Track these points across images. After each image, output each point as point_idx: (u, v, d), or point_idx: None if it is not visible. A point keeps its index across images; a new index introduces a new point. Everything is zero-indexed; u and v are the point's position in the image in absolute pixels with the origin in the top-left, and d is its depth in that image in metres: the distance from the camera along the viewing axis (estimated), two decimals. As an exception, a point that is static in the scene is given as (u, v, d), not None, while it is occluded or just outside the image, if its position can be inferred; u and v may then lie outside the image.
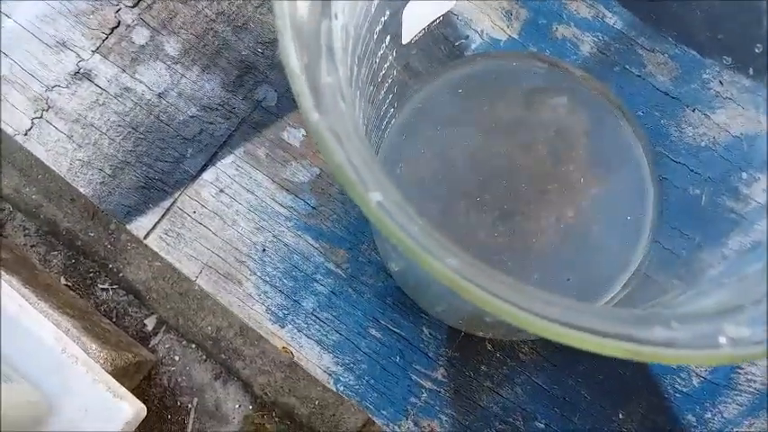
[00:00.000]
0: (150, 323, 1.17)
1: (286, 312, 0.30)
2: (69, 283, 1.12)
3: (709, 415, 0.30)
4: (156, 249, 0.31)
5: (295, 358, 0.30)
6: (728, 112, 0.31)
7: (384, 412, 0.29)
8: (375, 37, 0.20)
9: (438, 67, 0.32)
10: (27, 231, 1.18)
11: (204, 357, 1.26)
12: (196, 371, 1.24)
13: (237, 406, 1.27)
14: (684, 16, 0.30)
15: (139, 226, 0.31)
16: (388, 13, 0.20)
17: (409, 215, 0.12)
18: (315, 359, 0.30)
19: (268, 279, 0.30)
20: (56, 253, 1.18)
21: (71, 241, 1.23)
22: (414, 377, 0.30)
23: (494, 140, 0.30)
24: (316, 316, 0.30)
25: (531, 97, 0.30)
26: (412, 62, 0.31)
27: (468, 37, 0.32)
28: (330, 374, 0.30)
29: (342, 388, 0.30)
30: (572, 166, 0.30)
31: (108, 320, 1.10)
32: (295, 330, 0.30)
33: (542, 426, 0.29)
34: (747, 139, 0.30)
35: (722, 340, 0.11)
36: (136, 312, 1.13)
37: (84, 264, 1.16)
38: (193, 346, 1.25)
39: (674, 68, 0.32)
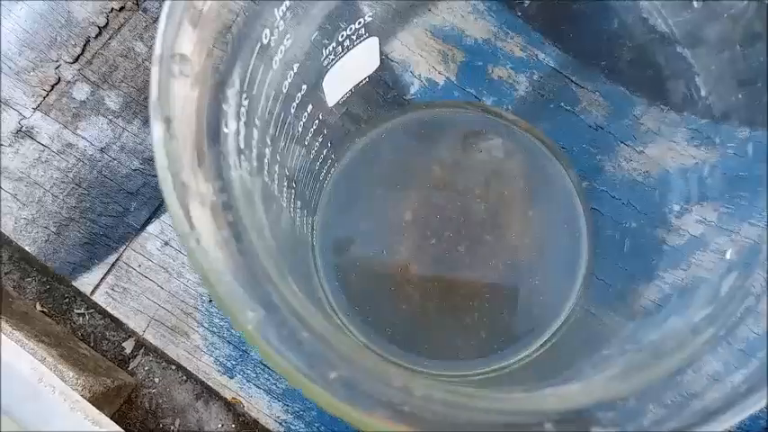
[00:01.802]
0: (128, 346, 1.16)
1: (234, 363, 0.30)
2: (45, 309, 1.10)
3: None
4: (102, 305, 0.31)
5: (245, 409, 0.30)
6: (659, 146, 0.32)
7: (335, 457, 0.30)
8: (293, 111, 0.21)
9: (378, 112, 0.32)
10: (0, 259, 1.17)
11: (184, 378, 1.25)
12: (177, 392, 1.23)
13: (220, 425, 1.26)
14: (611, 57, 0.31)
15: (85, 282, 0.31)
16: (304, 87, 0.21)
17: (298, 325, 0.13)
18: (265, 409, 0.30)
19: (215, 330, 0.31)
20: (30, 279, 1.17)
21: (45, 267, 1.22)
22: (363, 421, 0.30)
23: (434, 184, 0.31)
24: (264, 365, 0.30)
25: (468, 141, 0.31)
26: (351, 109, 0.31)
27: (406, 83, 0.33)
28: (281, 423, 0.30)
29: (293, 435, 0.30)
30: (508, 205, 0.31)
31: (86, 345, 1.09)
32: (244, 380, 0.30)
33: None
34: (679, 172, 0.31)
35: (586, 443, 0.11)
36: (113, 336, 1.12)
37: (59, 289, 1.15)
38: (173, 367, 1.25)
39: (606, 105, 0.33)
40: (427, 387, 0.13)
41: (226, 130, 0.14)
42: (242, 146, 0.15)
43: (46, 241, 0.32)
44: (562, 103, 0.34)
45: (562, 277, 0.30)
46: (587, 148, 0.33)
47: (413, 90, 0.33)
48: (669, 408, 0.13)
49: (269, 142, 0.19)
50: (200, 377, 0.30)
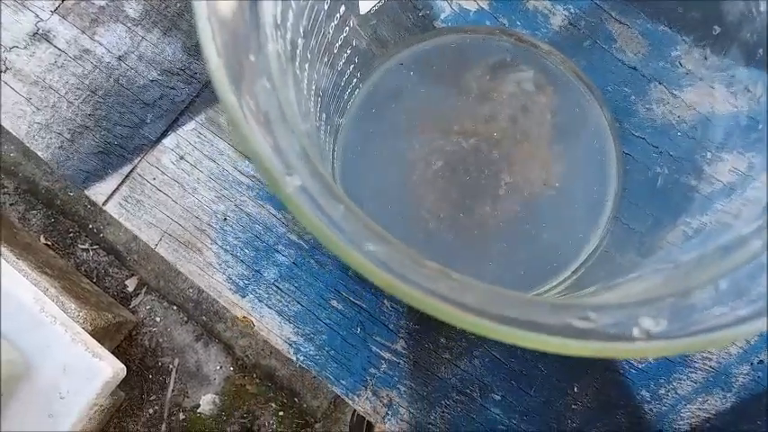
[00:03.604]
0: (131, 284, 1.17)
1: (247, 282, 0.30)
2: (49, 242, 1.11)
3: (663, 391, 0.31)
4: (115, 216, 0.30)
5: (256, 328, 0.30)
6: (696, 91, 0.31)
7: (343, 382, 0.30)
8: (326, 7, 0.20)
9: (406, 37, 0.31)
10: (6, 189, 1.17)
11: (185, 319, 1.26)
12: (177, 332, 1.24)
13: (219, 367, 1.28)
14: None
15: (98, 192, 0.31)
16: (340, -18, 0.20)
17: (334, 198, 0.12)
18: (276, 329, 0.30)
19: (229, 248, 0.30)
20: (35, 212, 1.17)
21: (50, 200, 1.21)
22: (374, 348, 0.30)
23: (458, 114, 0.30)
24: (277, 286, 0.30)
25: (498, 72, 0.30)
26: (378, 31, 0.30)
27: (436, 7, 0.31)
28: (290, 345, 0.30)
29: (302, 358, 0.30)
30: (537, 140, 0.30)
31: (88, 281, 1.09)
32: (256, 300, 0.30)
33: (498, 397, 0.30)
34: (714, 119, 0.30)
35: (636, 332, 0.11)
36: (117, 273, 1.13)
37: (64, 223, 1.15)
38: (174, 307, 1.25)
39: (643, 45, 0.32)
40: (462, 276, 0.12)
41: (265, -6, 0.13)
42: (278, 21, 0.14)
43: (59, 148, 0.31)
44: (598, 41, 0.32)
45: (586, 217, 0.30)
46: (621, 88, 0.32)
47: (443, 16, 0.32)
48: (700, 309, 0.12)
49: (302, 33, 0.18)
50: (211, 294, 0.30)
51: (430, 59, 0.30)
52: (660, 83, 0.31)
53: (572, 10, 0.32)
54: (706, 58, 0.30)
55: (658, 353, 0.10)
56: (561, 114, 0.30)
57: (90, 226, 1.15)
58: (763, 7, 0.19)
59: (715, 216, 0.26)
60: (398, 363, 0.30)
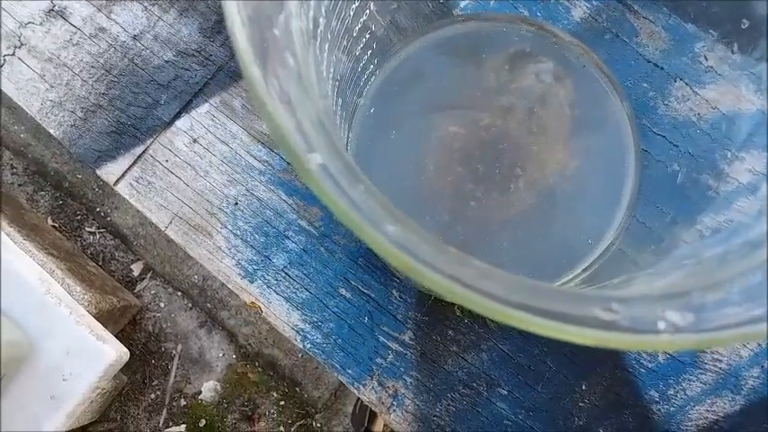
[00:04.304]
0: (137, 269, 1.17)
1: (256, 268, 0.30)
2: (56, 225, 1.11)
3: (672, 392, 0.30)
4: (126, 197, 0.30)
5: (263, 314, 0.30)
6: (718, 89, 0.30)
7: (350, 371, 0.30)
8: (349, -12, 0.19)
9: (424, 24, 0.31)
10: (15, 170, 1.17)
11: (190, 305, 1.26)
12: (181, 318, 1.24)
13: (221, 354, 1.28)
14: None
15: (109, 172, 0.30)
16: (363, -37, 0.19)
17: (354, 178, 0.12)
18: (283, 316, 0.30)
19: (239, 233, 0.30)
20: (43, 193, 1.17)
21: (59, 182, 1.21)
22: (381, 338, 0.30)
23: (476, 104, 0.29)
24: (286, 273, 0.30)
25: (517, 62, 0.30)
26: (397, 17, 0.30)
27: (456, -6, 0.31)
28: (298, 332, 0.30)
29: (309, 346, 0.30)
30: (554, 133, 0.30)
31: (94, 264, 1.09)
32: (264, 286, 0.30)
33: (505, 392, 0.30)
34: (734, 117, 0.30)
35: (662, 325, 0.10)
36: (122, 257, 1.13)
37: (72, 206, 1.15)
38: (179, 293, 1.25)
39: (665, 39, 0.31)
40: (485, 264, 0.12)
41: (290, -32, 0.13)
42: (302, -5, 0.14)
43: (72, 126, 0.31)
44: (619, 34, 0.32)
45: (602, 213, 0.29)
46: (640, 83, 0.31)
47: (463, 4, 0.32)
48: (728, 301, 0.12)
49: (323, 12, 0.17)
50: (219, 278, 0.29)
51: (448, 47, 0.30)
52: (681, 79, 0.31)
53: (594, 2, 0.32)
54: (733, 53, 0.29)
55: (685, 346, 0.10)
56: (580, 107, 0.29)
57: (97, 209, 1.15)
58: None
59: (733, 216, 0.26)
60: (405, 354, 0.30)
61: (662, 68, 0.31)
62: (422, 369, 0.29)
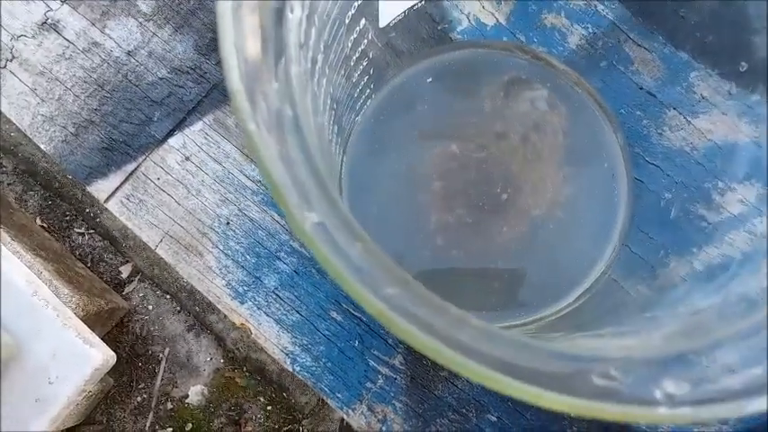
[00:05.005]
0: (125, 271, 1.16)
1: (246, 289, 0.30)
2: (45, 225, 1.10)
3: (664, 426, 0.30)
4: (116, 214, 0.30)
5: (253, 336, 0.29)
6: (711, 118, 0.30)
7: (339, 395, 0.29)
8: (347, 21, 0.19)
9: (421, 48, 0.31)
10: (4, 169, 1.16)
11: (178, 309, 1.26)
12: (169, 321, 1.24)
13: (209, 359, 1.28)
14: (676, 16, 0.29)
15: (100, 189, 0.30)
16: (362, -4, 0.19)
17: (352, 235, 0.12)
18: (273, 338, 0.29)
19: (230, 253, 0.30)
20: (32, 193, 1.16)
21: (48, 182, 1.21)
22: (371, 362, 0.30)
23: (470, 129, 0.29)
24: (277, 294, 0.30)
25: (511, 89, 0.30)
26: (394, 41, 0.30)
27: (454, 20, 0.31)
28: (287, 354, 0.29)
29: (298, 368, 0.29)
30: (547, 161, 0.30)
31: (82, 265, 1.08)
32: (255, 308, 0.30)
33: (494, 419, 0.29)
34: (727, 148, 0.30)
35: (658, 395, 0.10)
36: (111, 259, 1.12)
37: (61, 206, 1.15)
38: (167, 296, 1.25)
39: (660, 69, 0.31)
40: (482, 322, 0.12)
41: (291, 15, 0.13)
42: (302, 40, 0.14)
43: (63, 141, 0.30)
44: (614, 62, 0.32)
45: (593, 243, 0.29)
46: (634, 111, 0.32)
47: (460, 29, 0.32)
48: (727, 370, 0.12)
49: (322, 48, 0.17)
50: (209, 299, 0.29)
51: (444, 73, 0.30)
52: (675, 108, 0.31)
53: (590, 29, 0.32)
54: (721, 86, 0.29)
55: (682, 420, 0.10)
56: (573, 135, 0.30)
57: (87, 210, 1.14)
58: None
59: (728, 250, 0.26)
60: (395, 378, 0.29)
61: (656, 97, 0.31)
62: (411, 394, 0.29)
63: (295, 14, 0.13)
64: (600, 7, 0.31)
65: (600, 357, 0.11)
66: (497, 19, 0.31)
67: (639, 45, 0.31)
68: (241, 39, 0.11)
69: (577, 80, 0.30)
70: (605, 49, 0.32)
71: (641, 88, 0.31)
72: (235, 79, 0.11)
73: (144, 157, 0.30)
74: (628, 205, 0.30)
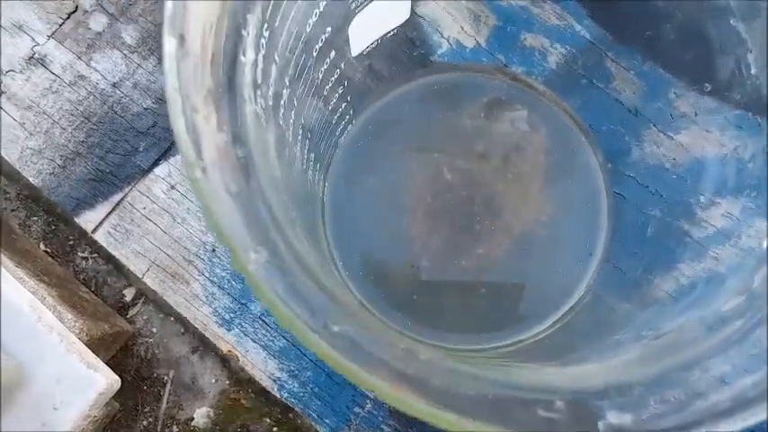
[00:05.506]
0: (129, 294, 1.17)
1: (233, 315, 0.30)
2: (48, 250, 1.10)
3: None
4: (103, 245, 0.30)
5: (240, 362, 0.30)
6: (691, 134, 0.30)
7: (327, 421, 0.29)
8: (315, 54, 0.19)
9: (402, 72, 0.31)
10: (7, 195, 1.17)
11: (182, 330, 1.26)
12: (174, 344, 1.24)
13: (214, 380, 1.28)
14: (654, 33, 0.29)
15: (88, 220, 0.30)
16: (329, 29, 0.19)
17: (304, 272, 0.12)
18: (260, 365, 0.30)
19: (216, 281, 0.30)
20: (36, 218, 1.17)
21: (51, 207, 1.22)
22: (358, 387, 0.30)
23: (452, 151, 0.30)
24: (263, 320, 0.30)
25: (492, 110, 0.30)
26: (374, 66, 0.30)
27: (434, 43, 0.31)
28: (275, 381, 0.30)
29: (286, 395, 0.29)
30: (528, 180, 0.30)
31: (86, 289, 1.09)
32: (241, 334, 0.30)
33: (484, 440, 0.29)
34: (708, 162, 0.30)
35: (601, 427, 0.10)
36: (115, 282, 1.12)
37: (65, 231, 1.15)
38: (172, 318, 1.25)
39: (640, 85, 0.31)
40: (432, 353, 0.12)
41: (243, 59, 0.13)
42: (259, 80, 0.14)
43: (51, 174, 0.31)
44: (594, 80, 0.32)
45: (576, 260, 0.29)
46: (616, 128, 0.32)
47: (440, 51, 0.32)
48: (671, 404, 0.12)
49: (287, 83, 0.18)
50: (197, 327, 0.29)
51: (425, 95, 0.30)
52: (655, 124, 0.31)
53: (569, 49, 0.32)
54: (701, 100, 0.29)
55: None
56: (553, 154, 0.30)
57: (90, 234, 1.15)
58: (753, 70, 0.19)
59: (709, 265, 0.26)
60: (383, 403, 0.29)
61: (636, 113, 0.32)
62: (399, 418, 0.29)
63: (248, 57, 0.13)
64: (577, 27, 0.32)
65: (549, 388, 0.11)
66: (477, 41, 0.32)
67: (617, 63, 0.31)
68: (186, 86, 0.11)
69: (556, 100, 0.30)
70: (585, 68, 0.32)
71: (622, 105, 0.32)
72: (181, 128, 0.11)
73: (130, 187, 0.31)
74: (609, 221, 0.30)
